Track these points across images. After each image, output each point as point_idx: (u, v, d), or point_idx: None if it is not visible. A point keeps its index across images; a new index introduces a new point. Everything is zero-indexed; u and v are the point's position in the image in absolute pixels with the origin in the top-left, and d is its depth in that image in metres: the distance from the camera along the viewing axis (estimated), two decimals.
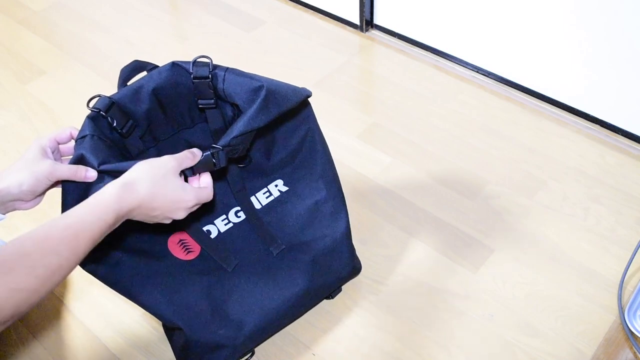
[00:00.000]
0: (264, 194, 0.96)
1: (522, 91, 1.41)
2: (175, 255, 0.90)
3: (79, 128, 0.81)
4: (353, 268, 1.00)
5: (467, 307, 1.02)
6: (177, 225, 0.90)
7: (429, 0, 1.45)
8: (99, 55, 1.62)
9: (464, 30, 1.44)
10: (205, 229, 0.93)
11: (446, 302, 1.03)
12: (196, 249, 0.92)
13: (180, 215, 0.72)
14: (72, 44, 1.67)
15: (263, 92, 0.79)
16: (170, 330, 0.97)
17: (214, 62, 0.85)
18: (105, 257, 0.84)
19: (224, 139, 0.78)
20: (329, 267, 0.96)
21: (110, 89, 1.51)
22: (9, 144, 1.39)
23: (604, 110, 1.30)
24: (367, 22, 1.61)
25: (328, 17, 1.69)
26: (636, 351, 0.92)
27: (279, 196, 0.96)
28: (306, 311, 1.02)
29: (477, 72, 1.47)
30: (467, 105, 1.40)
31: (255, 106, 0.79)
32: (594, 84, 1.28)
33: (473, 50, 1.45)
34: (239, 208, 0.94)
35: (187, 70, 0.84)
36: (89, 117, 0.80)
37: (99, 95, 0.81)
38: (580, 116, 1.34)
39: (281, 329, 1.00)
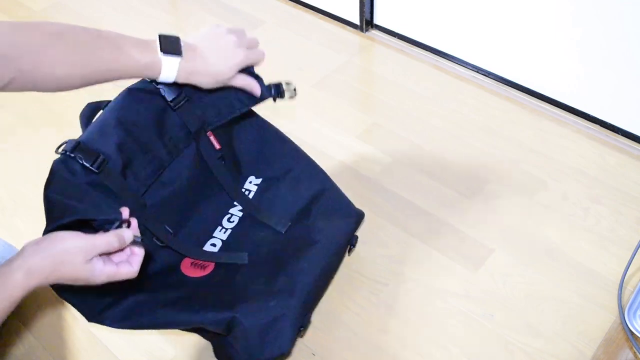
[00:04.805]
0: (244, 193, 0.99)
1: (522, 91, 1.41)
2: (192, 276, 0.90)
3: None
4: (355, 209, 1.05)
5: (467, 307, 1.02)
6: (179, 254, 0.91)
7: (429, 0, 1.45)
8: None
9: (464, 30, 1.44)
10: (209, 243, 0.94)
11: (446, 302, 1.03)
12: (209, 262, 0.93)
13: (95, 284, 0.70)
14: None
15: None
16: (219, 337, 0.92)
17: None
18: (127, 311, 0.83)
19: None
20: (334, 214, 1.01)
21: (110, 88, 1.51)
22: (8, 144, 1.38)
23: (604, 110, 1.30)
24: (367, 22, 1.61)
25: (328, 17, 1.69)
26: (636, 351, 0.92)
27: (257, 190, 0.99)
28: (340, 262, 1.04)
29: (477, 72, 1.47)
30: (467, 105, 1.40)
31: None
32: (594, 84, 1.28)
33: (473, 50, 1.45)
34: (230, 214, 0.97)
35: (144, 90, 0.83)
36: (56, 162, 0.78)
37: (66, 142, 0.79)
38: (580, 116, 1.34)
39: (327, 286, 1.02)
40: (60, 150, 0.78)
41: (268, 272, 0.92)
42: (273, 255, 0.95)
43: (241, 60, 0.82)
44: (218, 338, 0.91)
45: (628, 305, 0.95)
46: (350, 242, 1.05)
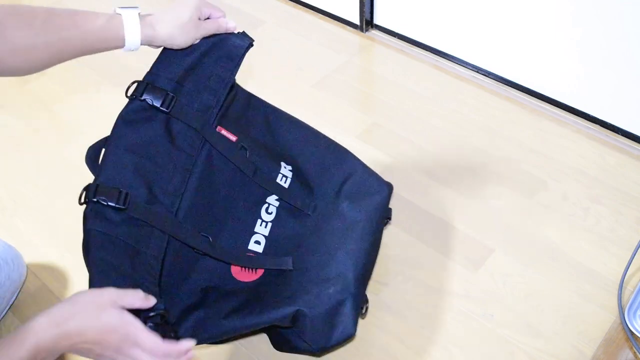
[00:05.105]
0: (280, 180, 0.98)
1: (522, 91, 1.41)
2: (246, 281, 0.90)
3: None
4: (388, 187, 1.05)
5: (467, 307, 1.02)
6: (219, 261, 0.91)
7: (429, 0, 1.45)
8: (99, 55, 1.61)
9: (464, 30, 1.44)
10: (253, 240, 0.93)
11: (446, 302, 1.03)
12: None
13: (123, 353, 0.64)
14: None
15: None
16: (280, 328, 0.93)
17: None
18: (192, 328, 0.84)
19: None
20: (367, 190, 1.02)
21: (109, 88, 1.51)
22: (8, 144, 1.38)
23: (604, 110, 1.30)
24: (367, 22, 1.61)
25: (328, 17, 1.69)
26: (636, 351, 0.92)
27: (292, 176, 0.98)
28: (381, 237, 1.04)
29: (477, 72, 1.47)
30: (467, 105, 1.40)
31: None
32: (594, 84, 1.28)
33: (473, 50, 1.45)
34: (267, 204, 0.95)
35: (134, 110, 0.83)
36: (85, 213, 0.77)
37: (86, 189, 0.78)
38: (580, 116, 1.34)
39: (374, 262, 1.01)
40: (83, 200, 0.77)
41: (318, 261, 0.93)
42: (318, 242, 0.95)
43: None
44: (279, 330, 0.93)
45: (628, 305, 0.95)
46: (386, 215, 1.05)
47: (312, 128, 1.04)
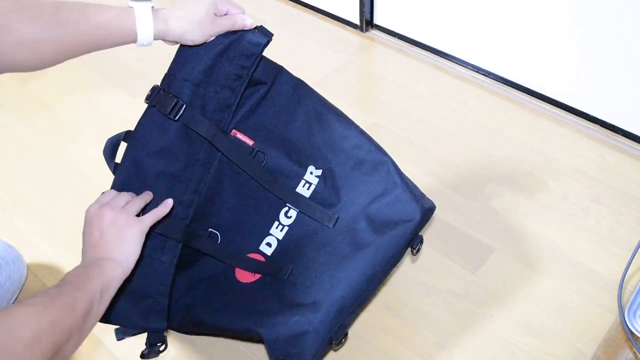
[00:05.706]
0: (303, 186, 0.92)
1: (522, 91, 1.41)
2: (244, 282, 0.92)
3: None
4: (422, 209, 0.89)
5: (467, 307, 1.02)
6: (229, 261, 0.92)
7: (429, 0, 1.45)
8: (98, 55, 1.61)
9: (464, 30, 1.44)
10: (265, 241, 0.93)
11: (446, 302, 1.03)
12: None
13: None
14: None
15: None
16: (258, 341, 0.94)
17: None
18: (186, 318, 0.88)
19: None
20: (394, 216, 0.89)
21: (109, 88, 1.51)
22: (8, 144, 1.39)
23: (604, 110, 1.30)
24: (367, 22, 1.61)
25: (328, 17, 1.69)
26: (636, 351, 0.92)
27: (319, 182, 0.92)
28: (391, 269, 0.91)
29: (477, 72, 1.47)
30: (467, 105, 1.40)
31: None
32: (594, 84, 1.28)
33: (473, 50, 1.46)
34: (288, 207, 0.92)
35: (148, 117, 0.82)
36: None
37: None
38: (580, 116, 1.34)
39: (368, 297, 0.91)
40: None
41: (306, 281, 0.88)
42: (317, 260, 0.90)
43: None
44: None
45: (628, 305, 0.95)
46: (410, 245, 0.91)
47: (359, 127, 0.93)
